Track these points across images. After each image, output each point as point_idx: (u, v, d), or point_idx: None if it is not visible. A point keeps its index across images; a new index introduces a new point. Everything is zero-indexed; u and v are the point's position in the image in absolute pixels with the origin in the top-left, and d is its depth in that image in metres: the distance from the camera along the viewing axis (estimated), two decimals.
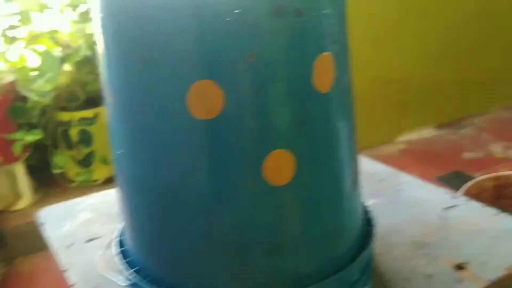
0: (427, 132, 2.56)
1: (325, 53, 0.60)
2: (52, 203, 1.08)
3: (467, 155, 2.31)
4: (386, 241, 0.84)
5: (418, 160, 2.30)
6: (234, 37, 0.56)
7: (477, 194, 1.31)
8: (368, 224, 0.76)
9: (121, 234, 0.77)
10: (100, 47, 0.64)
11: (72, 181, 2.00)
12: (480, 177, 1.35)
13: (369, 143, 2.39)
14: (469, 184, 1.31)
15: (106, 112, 0.68)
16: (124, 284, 0.69)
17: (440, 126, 2.61)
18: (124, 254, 0.74)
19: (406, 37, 2.42)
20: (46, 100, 1.84)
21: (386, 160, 2.29)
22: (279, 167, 0.59)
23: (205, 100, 0.57)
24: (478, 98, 2.71)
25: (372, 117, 2.37)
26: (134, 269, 0.70)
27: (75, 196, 1.12)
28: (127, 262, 0.72)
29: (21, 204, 1.92)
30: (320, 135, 0.62)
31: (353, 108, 0.68)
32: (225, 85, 0.57)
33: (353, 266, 0.68)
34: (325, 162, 0.63)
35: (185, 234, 0.63)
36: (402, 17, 2.39)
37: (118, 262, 0.72)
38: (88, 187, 1.96)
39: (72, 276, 0.82)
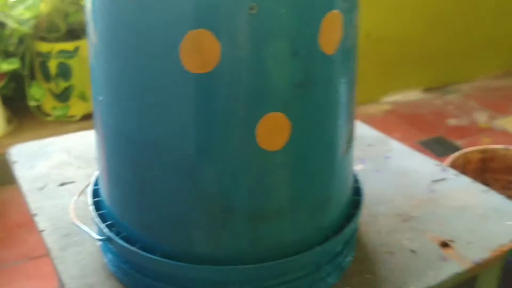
0: (413, 95, 2.53)
1: (334, 11, 0.55)
2: (25, 135, 1.03)
3: (451, 121, 2.29)
4: (370, 210, 0.82)
5: (401, 122, 2.28)
6: None
7: (462, 165, 1.30)
8: (356, 193, 0.73)
9: (97, 183, 0.73)
10: None
11: (48, 115, 1.93)
12: (467, 149, 1.33)
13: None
14: (456, 154, 1.29)
15: (89, 50, 0.62)
16: (96, 237, 0.66)
17: (427, 89, 2.58)
18: (98, 205, 0.70)
19: None
20: (25, 28, 1.75)
21: (370, 120, 2.27)
22: (273, 131, 0.55)
23: (199, 52, 0.52)
24: (467, 65, 2.67)
25: (360, 74, 2.31)
26: (107, 223, 0.66)
27: (50, 130, 1.07)
28: (101, 215, 0.68)
29: None
30: (320, 101, 0.57)
31: (356, 72, 0.64)
32: (222, 37, 0.52)
33: (338, 237, 0.65)
34: (322, 129, 0.59)
35: (165, 191, 0.59)
36: None
37: (91, 213, 0.69)
38: (64, 122, 1.90)
39: (41, 222, 0.78)
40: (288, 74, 0.54)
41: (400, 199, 0.85)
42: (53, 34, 1.85)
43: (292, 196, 0.60)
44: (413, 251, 0.73)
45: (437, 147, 2.00)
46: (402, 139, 1.99)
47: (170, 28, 0.52)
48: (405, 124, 2.26)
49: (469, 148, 1.33)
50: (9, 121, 1.91)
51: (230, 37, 0.52)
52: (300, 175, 0.60)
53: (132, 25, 0.54)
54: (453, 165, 1.26)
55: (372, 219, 0.80)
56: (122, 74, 0.57)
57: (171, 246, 0.61)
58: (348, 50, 0.59)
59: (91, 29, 0.60)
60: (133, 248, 0.62)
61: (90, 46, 0.61)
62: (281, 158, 0.57)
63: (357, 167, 0.93)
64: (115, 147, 0.62)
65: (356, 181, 0.74)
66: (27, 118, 1.95)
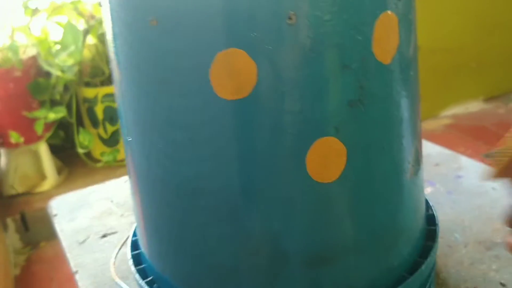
0: (474, 106, 2.38)
1: (388, 12, 0.46)
2: (77, 183, 0.99)
3: None
4: (447, 240, 0.71)
5: (464, 136, 2.14)
6: None
7: None
8: (429, 222, 0.63)
9: (136, 234, 0.66)
10: (105, 11, 0.52)
11: (98, 161, 1.91)
12: None
13: None
14: None
15: (115, 91, 0.56)
16: None
17: (488, 99, 2.43)
18: (139, 258, 0.63)
19: (454, 4, 2.23)
20: (69, 75, 1.74)
21: (430, 136, 2.13)
22: (326, 159, 0.47)
23: (232, 75, 0.44)
24: None
25: None
26: (148, 279, 0.59)
27: (100, 177, 1.02)
28: (142, 270, 0.61)
29: (45, 185, 1.84)
30: (379, 119, 0.48)
31: (418, 82, 0.55)
32: (257, 56, 0.44)
33: (414, 278, 0.55)
34: (384, 152, 0.50)
35: (207, 239, 0.51)
36: None
37: (131, 268, 0.61)
38: (115, 167, 1.87)
39: (82, 280, 0.71)
40: (339, 91, 0.46)
41: (479, 223, 0.74)
42: (98, 78, 1.84)
43: (354, 233, 0.51)
44: (503, 285, 0.62)
45: None
46: (468, 154, 1.85)
47: (196, 51, 0.45)
48: (468, 138, 2.11)
49: None
50: (59, 171, 1.89)
51: (266, 55, 0.44)
52: (362, 207, 0.51)
53: (154, 53, 0.47)
54: None
55: (450, 250, 0.70)
56: (148, 110, 0.50)
57: None
58: (407, 58, 0.51)
59: (114, 65, 0.53)
60: None
61: (115, 84, 0.55)
62: (338, 190, 0.48)
63: (426, 190, 0.83)
64: (149, 192, 0.55)
65: (428, 207, 0.64)
66: (77, 166, 1.93)
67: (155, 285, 0.58)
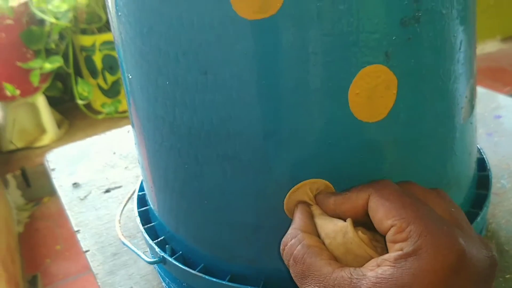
0: (490, 46, 2.27)
1: None
2: (78, 137, 0.90)
3: None
4: (495, 186, 0.63)
5: (482, 78, 2.03)
6: None
7: None
8: (479, 168, 0.55)
9: (143, 188, 0.58)
10: None
11: (99, 113, 1.82)
12: None
13: None
14: None
15: (111, 22, 0.47)
16: (147, 260, 0.51)
17: (506, 38, 2.31)
18: (146, 215, 0.55)
19: None
20: (64, 22, 1.64)
21: None
22: (374, 93, 0.38)
23: None
24: None
25: None
26: (159, 239, 0.51)
27: (102, 129, 0.93)
28: (152, 228, 0.53)
29: (45, 139, 1.76)
30: (436, 42, 0.39)
31: (475, 7, 0.45)
32: None
33: None
34: (438, 85, 0.41)
35: (227, 194, 0.43)
36: None
37: (139, 227, 0.54)
38: (117, 119, 1.78)
39: (84, 240, 0.64)
40: (390, 6, 0.37)
41: None
42: (94, 25, 1.73)
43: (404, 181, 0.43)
44: None
45: None
46: None
47: None
48: (486, 80, 2.01)
49: None
50: (59, 124, 1.81)
51: None
52: (411, 152, 0.42)
53: None
54: None
55: (498, 198, 0.62)
56: (154, 35, 0.41)
57: (243, 265, 0.45)
58: None
59: None
60: (193, 272, 0.46)
61: (113, 17, 0.45)
62: (384, 132, 0.40)
63: None
64: (156, 141, 0.46)
65: (478, 151, 0.56)
66: (77, 119, 1.85)
67: (167, 246, 0.50)
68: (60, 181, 0.77)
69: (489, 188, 0.51)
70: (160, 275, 0.55)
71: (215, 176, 0.43)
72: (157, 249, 0.49)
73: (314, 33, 0.36)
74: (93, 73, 1.78)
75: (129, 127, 0.90)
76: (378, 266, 0.32)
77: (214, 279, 0.45)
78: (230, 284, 0.45)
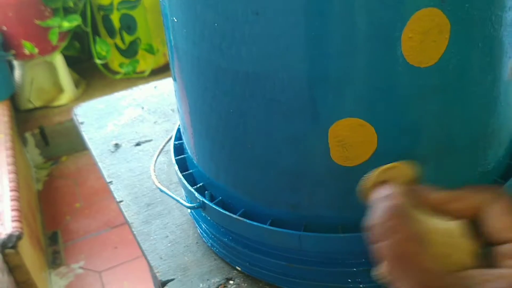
0: None
1: None
2: (95, 97, 0.90)
3: None
4: None
5: None
6: None
7: None
8: None
9: (179, 137, 0.59)
10: None
11: (117, 73, 1.82)
12: None
13: None
14: None
15: None
16: (187, 205, 0.51)
17: None
18: (184, 164, 0.56)
19: None
20: None
21: None
22: (427, 37, 0.38)
23: None
24: None
25: None
26: (198, 185, 0.51)
27: (120, 89, 0.93)
28: (189, 176, 0.54)
29: (63, 99, 1.77)
30: None
31: None
32: None
33: (509, 183, 0.47)
34: (489, 31, 0.41)
35: (272, 137, 0.43)
36: None
37: (177, 174, 0.54)
38: (134, 79, 1.78)
39: (118, 191, 0.65)
40: None
41: None
42: None
43: (450, 130, 0.43)
44: None
45: None
46: None
47: None
48: None
49: None
50: (77, 83, 1.81)
51: None
52: (461, 100, 0.42)
53: None
54: None
55: None
56: None
57: (285, 210, 0.46)
58: None
59: None
60: (235, 216, 0.47)
61: None
62: (436, 77, 0.40)
63: None
64: (199, 82, 0.46)
65: None
66: (95, 78, 1.85)
67: (206, 192, 0.50)
68: (90, 134, 0.78)
69: None
70: (197, 222, 0.56)
71: (260, 121, 0.43)
72: (196, 194, 0.50)
73: None
74: (111, 32, 1.77)
75: (155, 83, 0.90)
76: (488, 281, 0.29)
77: (256, 223, 0.46)
78: (271, 228, 0.45)
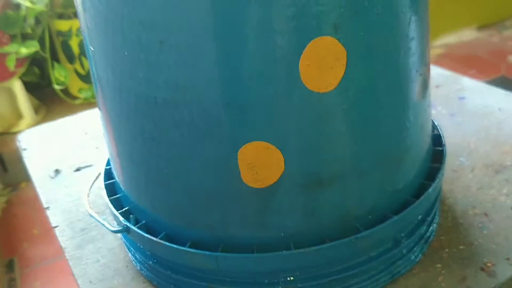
0: (467, 34, 2.30)
1: None
2: None
3: None
4: (452, 164, 0.65)
5: (458, 66, 2.06)
6: None
7: None
8: (435, 143, 0.57)
9: (109, 163, 0.60)
10: None
11: (76, 98, 1.82)
12: None
13: None
14: None
15: (77, 8, 0.48)
16: (111, 228, 0.52)
17: (482, 27, 2.34)
18: (112, 189, 0.57)
19: None
20: (40, 6, 1.63)
21: None
22: (323, 64, 0.39)
23: None
24: None
25: None
26: (123, 209, 0.52)
27: None
28: (117, 200, 0.54)
29: (22, 125, 1.75)
30: (385, 14, 0.41)
31: None
32: None
33: (420, 202, 0.49)
34: (389, 57, 0.43)
35: (190, 160, 0.44)
36: None
37: (104, 198, 0.55)
38: (94, 104, 1.78)
39: (54, 216, 0.65)
40: None
41: (486, 146, 0.68)
42: (71, 9, 1.72)
43: (355, 152, 0.44)
44: None
45: (502, 88, 1.79)
46: None
47: None
48: (462, 68, 2.04)
49: None
50: (36, 109, 1.80)
51: None
52: (363, 122, 0.44)
53: None
54: None
55: (456, 174, 0.64)
56: (111, 4, 0.42)
57: (203, 232, 0.47)
58: None
59: None
60: (155, 239, 0.48)
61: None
62: (335, 102, 0.41)
63: None
64: (119, 109, 0.47)
65: (434, 128, 0.58)
66: (55, 104, 1.84)
67: (131, 216, 0.51)
68: (31, 160, 0.78)
69: (442, 162, 0.53)
70: (126, 246, 0.56)
71: (174, 145, 0.44)
72: (121, 218, 0.51)
73: (266, 2, 0.37)
74: (70, 58, 1.77)
75: None
76: None
77: (175, 246, 0.47)
78: (189, 249, 0.46)
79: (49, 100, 1.85)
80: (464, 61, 2.10)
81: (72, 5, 1.71)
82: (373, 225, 0.47)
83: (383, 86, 0.44)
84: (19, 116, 1.77)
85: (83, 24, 0.46)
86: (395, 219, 0.47)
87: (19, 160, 1.66)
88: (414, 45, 0.45)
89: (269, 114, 0.41)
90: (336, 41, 0.39)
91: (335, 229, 0.46)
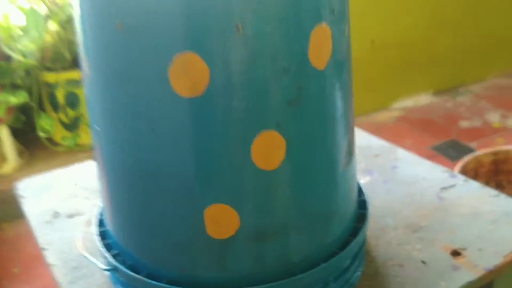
0: (423, 99, 2.51)
1: (322, 24, 0.54)
2: (38, 167, 1.04)
3: (463, 123, 2.27)
4: (379, 223, 0.81)
5: (413, 128, 2.26)
6: (221, 4, 0.50)
7: (475, 169, 1.28)
8: (361, 207, 0.72)
9: (102, 213, 0.73)
10: (76, 12, 0.58)
11: (59, 145, 1.95)
12: (478, 152, 1.31)
13: (365, 109, 2.34)
14: (467, 158, 1.27)
15: (84, 84, 0.62)
16: (103, 267, 0.65)
17: (437, 92, 2.56)
18: (104, 235, 0.70)
19: (406, 1, 2.34)
20: (31, 60, 1.78)
21: (381, 127, 2.26)
22: (268, 150, 0.55)
23: (188, 75, 0.52)
24: (476, 65, 2.65)
25: (368, 82, 2.31)
26: (113, 252, 0.66)
27: (61, 161, 1.08)
28: (107, 244, 0.68)
29: (6, 168, 1.87)
30: (314, 116, 0.57)
31: (351, 84, 0.63)
32: (210, 60, 0.51)
33: (343, 253, 0.64)
34: (319, 144, 0.59)
35: (165, 217, 0.59)
36: None
37: (97, 243, 0.68)
38: (75, 151, 1.91)
39: (50, 256, 0.78)
40: (280, 92, 0.54)
41: (408, 209, 0.84)
42: (59, 63, 1.87)
43: (294, 213, 0.59)
44: (423, 262, 0.72)
45: (451, 151, 1.97)
46: (415, 145, 1.97)
47: (158, 52, 0.52)
48: (417, 130, 2.23)
49: (481, 151, 1.31)
50: (20, 154, 1.92)
51: (217, 59, 0.51)
52: (300, 192, 0.59)
53: (121, 51, 0.54)
54: (465, 169, 1.24)
55: (381, 232, 0.79)
56: (115, 102, 0.57)
57: (176, 272, 0.61)
58: (340, 63, 0.59)
59: (83, 60, 0.60)
60: (138, 276, 0.61)
61: (84, 76, 0.61)
62: (279, 177, 0.57)
63: (365, 179, 0.92)
64: (114, 176, 0.62)
65: (361, 194, 0.73)
66: (38, 150, 1.97)
67: (119, 258, 0.65)
68: (29, 207, 0.91)
69: (364, 223, 0.68)
70: (113, 283, 0.69)
71: (154, 204, 0.58)
72: (110, 259, 0.64)
73: (227, 108, 0.52)
74: (55, 107, 1.91)
75: (89, 162, 1.05)
76: None
77: (154, 282, 0.60)
78: (167, 286, 0.60)
79: (32, 146, 1.98)
80: (420, 124, 2.29)
81: (60, 59, 1.87)
82: (307, 270, 0.61)
83: (315, 167, 0.59)
84: (3, 159, 1.88)
85: (92, 108, 0.61)
86: (323, 265, 0.62)
87: (1, 201, 1.77)
88: (339, 136, 0.61)
89: (228, 185, 0.56)
90: (278, 134, 0.54)
91: (278, 272, 0.60)
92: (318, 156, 0.59)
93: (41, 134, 1.85)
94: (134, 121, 0.56)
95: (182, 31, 0.51)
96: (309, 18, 0.54)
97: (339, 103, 0.59)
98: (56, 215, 0.88)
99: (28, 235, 1.73)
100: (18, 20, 1.83)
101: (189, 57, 0.51)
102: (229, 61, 0.52)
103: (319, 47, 0.55)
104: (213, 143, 0.54)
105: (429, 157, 0.96)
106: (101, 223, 0.72)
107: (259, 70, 0.52)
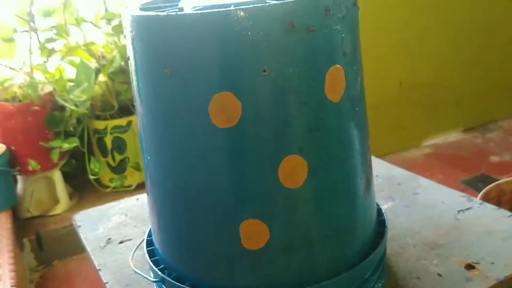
0: (453, 136, 2.57)
1: (336, 65, 0.64)
2: (87, 207, 1.15)
3: (493, 158, 2.32)
4: (400, 242, 0.89)
5: (443, 164, 2.32)
6: (251, 52, 0.61)
7: (497, 197, 1.34)
8: (381, 225, 0.80)
9: (150, 235, 0.83)
10: (131, 62, 0.70)
11: (107, 187, 2.08)
12: (500, 180, 1.37)
13: (395, 148, 2.42)
14: (489, 187, 1.34)
15: (137, 121, 0.74)
16: (152, 279, 0.75)
17: (467, 129, 2.62)
18: (152, 253, 0.80)
19: (434, 41, 2.44)
20: (82, 109, 1.93)
21: (411, 164, 2.32)
22: (293, 171, 0.65)
23: (225, 110, 0.63)
24: (505, 101, 2.71)
25: (398, 121, 2.39)
26: (160, 266, 0.76)
27: (109, 201, 1.19)
28: (155, 260, 0.78)
29: (58, 209, 2.01)
30: (331, 142, 0.67)
31: (364, 115, 0.73)
32: (242, 97, 0.62)
33: (363, 264, 0.72)
34: (336, 166, 0.68)
35: (206, 232, 0.69)
36: (428, 22, 2.41)
37: (147, 260, 0.78)
38: (122, 192, 2.04)
39: (105, 276, 0.88)
40: (301, 122, 0.64)
41: (427, 230, 0.91)
42: (107, 112, 2.03)
43: (316, 228, 0.69)
44: (439, 275, 0.79)
45: (481, 184, 2.02)
46: (445, 180, 2.03)
47: (200, 93, 0.63)
48: (447, 166, 2.29)
49: (502, 180, 1.37)
50: (71, 196, 2.06)
51: (248, 96, 0.62)
52: (321, 208, 0.68)
53: (168, 94, 0.65)
54: (487, 198, 1.31)
55: (402, 250, 0.87)
56: (163, 134, 0.68)
57: (215, 281, 0.70)
58: (353, 97, 0.69)
59: (137, 103, 0.72)
60: (182, 286, 0.71)
61: (138, 116, 0.73)
62: (303, 194, 0.66)
63: (387, 204, 1.00)
64: (162, 197, 0.72)
65: (380, 214, 0.82)
66: (87, 192, 2.10)
67: (166, 271, 0.75)
68: (85, 235, 1.02)
69: (382, 238, 0.77)
70: None
71: (199, 223, 0.69)
72: (158, 271, 0.74)
73: (257, 136, 0.63)
74: (104, 152, 2.05)
75: (137, 196, 1.16)
76: None
77: None
78: None
79: (82, 187, 2.12)
80: (450, 160, 2.35)
81: (108, 108, 2.02)
82: (331, 277, 0.70)
83: (336, 186, 0.69)
84: (56, 201, 2.02)
85: (144, 142, 0.73)
86: (345, 274, 0.70)
87: (54, 240, 1.91)
88: (355, 159, 0.70)
89: (259, 202, 0.66)
90: (301, 158, 0.64)
91: (304, 280, 0.69)
92: (337, 176, 0.69)
93: (91, 177, 1.99)
94: (179, 150, 0.67)
95: (220, 75, 0.62)
96: (325, 60, 0.64)
97: (353, 130, 0.69)
98: (109, 241, 0.99)
99: (78, 272, 1.85)
100: (70, 73, 2.00)
101: (225, 96, 0.62)
102: (258, 97, 0.63)
103: (334, 84, 0.65)
104: (246, 166, 0.64)
105: (459, 191, 1.04)
106: (149, 244, 0.82)
107: (283, 104, 0.63)
